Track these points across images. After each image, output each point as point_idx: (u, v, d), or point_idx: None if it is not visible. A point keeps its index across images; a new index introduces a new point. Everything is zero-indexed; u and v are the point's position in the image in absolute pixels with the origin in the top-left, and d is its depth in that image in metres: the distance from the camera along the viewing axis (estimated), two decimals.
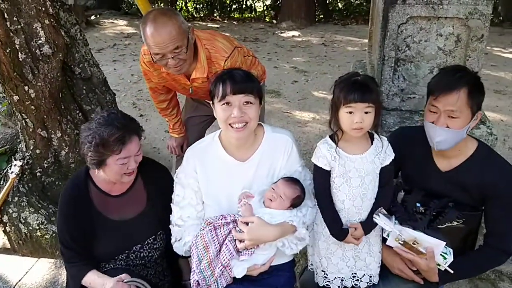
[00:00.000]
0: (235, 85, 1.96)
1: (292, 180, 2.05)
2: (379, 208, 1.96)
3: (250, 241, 1.93)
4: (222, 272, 1.95)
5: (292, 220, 1.97)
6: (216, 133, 2.17)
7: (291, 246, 2.01)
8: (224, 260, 1.94)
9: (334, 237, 2.00)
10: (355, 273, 2.09)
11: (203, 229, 2.01)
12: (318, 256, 2.12)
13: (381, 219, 1.95)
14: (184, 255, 2.16)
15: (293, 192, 2.00)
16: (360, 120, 1.85)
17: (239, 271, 1.96)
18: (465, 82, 1.87)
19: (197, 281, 1.96)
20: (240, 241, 1.95)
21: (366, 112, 1.85)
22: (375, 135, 1.99)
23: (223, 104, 1.97)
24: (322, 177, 2.00)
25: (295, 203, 2.01)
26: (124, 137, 2.01)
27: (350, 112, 1.86)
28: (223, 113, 1.98)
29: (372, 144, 1.96)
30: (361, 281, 2.09)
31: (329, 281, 2.11)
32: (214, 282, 1.95)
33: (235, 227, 1.98)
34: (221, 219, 2.00)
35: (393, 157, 1.97)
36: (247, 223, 1.94)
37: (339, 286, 2.10)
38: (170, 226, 2.17)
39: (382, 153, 1.95)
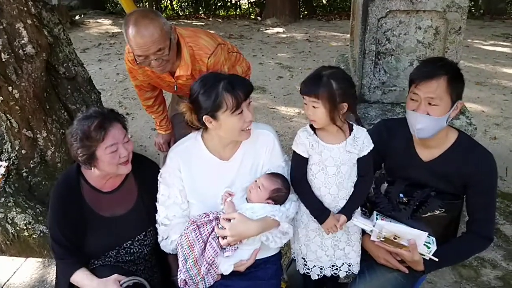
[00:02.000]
0: (243, 90, 1.93)
1: (274, 174, 2.07)
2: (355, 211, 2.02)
3: (232, 237, 1.93)
4: (208, 270, 1.96)
5: (274, 215, 1.97)
6: (199, 132, 2.14)
7: (275, 240, 2.03)
8: (209, 257, 1.94)
9: (316, 219, 2.02)
10: (335, 263, 2.11)
11: (187, 228, 2.01)
12: (298, 243, 2.14)
13: (358, 221, 2.00)
14: (171, 253, 2.16)
15: (271, 184, 2.01)
16: (311, 113, 1.91)
17: (226, 268, 1.98)
18: (445, 70, 1.91)
19: (184, 280, 1.97)
20: (223, 237, 1.95)
21: (313, 107, 1.89)
22: (354, 126, 2.00)
23: (239, 113, 1.92)
24: (299, 164, 2.03)
25: (276, 198, 2.02)
26: (104, 123, 2.01)
27: (305, 103, 1.93)
28: (238, 122, 1.94)
29: (350, 134, 1.98)
30: (340, 270, 2.11)
31: (308, 269, 2.13)
32: (201, 280, 1.96)
33: (217, 224, 1.98)
34: (204, 217, 2.00)
35: (371, 148, 1.99)
36: (229, 220, 1.95)
37: (318, 275, 2.12)
38: (157, 225, 2.17)
39: (360, 143, 1.97)
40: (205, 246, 1.97)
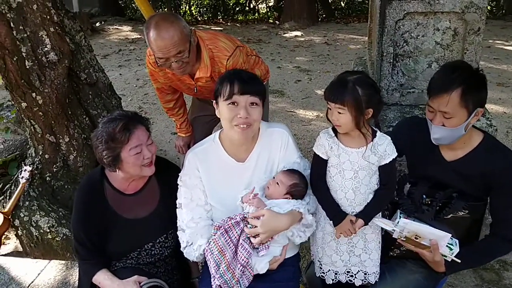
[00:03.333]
0: (243, 85, 1.97)
1: (291, 170, 2.10)
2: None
3: (264, 234, 1.93)
4: (243, 272, 1.95)
5: (298, 207, 2.00)
6: (216, 134, 2.18)
7: (299, 234, 2.04)
8: (243, 260, 1.94)
9: (332, 221, 2.02)
10: (350, 269, 2.09)
11: (214, 235, 2.00)
12: (315, 245, 2.15)
13: (380, 220, 1.99)
14: (195, 260, 2.14)
15: (289, 179, 2.04)
16: (335, 118, 1.91)
17: (262, 267, 1.98)
18: (459, 82, 1.86)
19: (219, 285, 1.95)
20: (254, 237, 1.95)
21: (339, 112, 1.89)
22: (378, 133, 1.99)
23: (230, 103, 1.98)
24: (318, 165, 2.05)
25: (294, 192, 2.05)
26: (128, 125, 2.05)
27: (330, 109, 1.93)
28: (228, 112, 1.99)
29: (372, 140, 1.97)
30: (355, 277, 2.09)
31: (323, 272, 2.13)
32: (237, 283, 1.94)
33: (246, 225, 1.98)
34: (230, 221, 2.00)
35: (393, 157, 1.96)
36: (258, 218, 1.95)
37: (333, 280, 2.11)
38: (179, 233, 2.16)
39: (380, 151, 1.95)
40: (236, 249, 1.97)
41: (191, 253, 2.11)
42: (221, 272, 1.94)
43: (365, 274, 2.09)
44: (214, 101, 2.09)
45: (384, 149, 1.95)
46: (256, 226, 1.94)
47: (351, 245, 2.07)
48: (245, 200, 2.05)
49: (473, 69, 1.95)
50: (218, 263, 1.95)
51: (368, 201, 2.00)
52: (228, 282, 1.93)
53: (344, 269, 2.10)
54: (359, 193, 1.99)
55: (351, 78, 1.90)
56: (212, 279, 1.96)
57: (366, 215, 1.99)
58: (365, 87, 1.88)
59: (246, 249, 1.95)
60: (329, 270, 2.12)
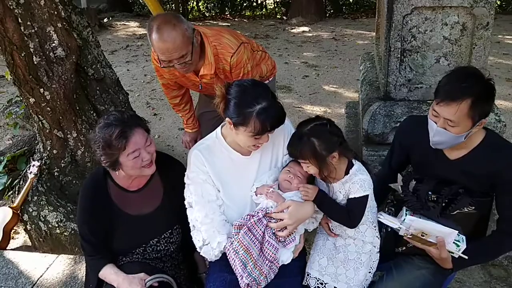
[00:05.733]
0: (273, 124, 1.95)
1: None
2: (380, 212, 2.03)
3: (292, 225, 1.95)
4: (270, 267, 1.96)
5: None
6: (218, 130, 2.16)
7: (311, 221, 2.08)
8: (270, 256, 1.95)
9: None
10: (322, 277, 2.07)
11: (236, 234, 1.98)
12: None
13: (384, 218, 1.98)
14: (214, 259, 2.09)
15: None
16: (306, 171, 1.98)
17: (287, 257, 2.01)
18: (469, 93, 1.82)
19: (247, 283, 1.93)
20: (281, 230, 1.97)
21: (307, 166, 1.96)
22: (352, 170, 1.99)
23: (254, 137, 1.96)
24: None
25: (310, 181, 2.08)
26: (125, 132, 2.01)
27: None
28: (252, 142, 1.99)
29: (343, 177, 1.99)
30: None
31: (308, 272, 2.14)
32: (264, 278, 1.95)
33: (269, 221, 1.98)
34: (251, 218, 1.99)
35: (360, 195, 1.95)
36: (282, 211, 1.97)
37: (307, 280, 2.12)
38: (192, 233, 2.12)
39: (346, 188, 1.99)
40: (261, 246, 1.97)
41: (209, 251, 2.06)
42: (249, 271, 1.93)
43: None
44: (226, 118, 2.00)
45: (349, 186, 1.97)
46: (281, 220, 1.96)
47: (332, 250, 2.10)
48: (263, 192, 2.05)
49: (485, 78, 1.89)
50: (245, 262, 1.94)
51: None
52: (257, 279, 1.94)
53: (317, 274, 2.08)
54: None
55: (305, 130, 1.93)
56: (239, 278, 1.95)
57: (321, 198, 2.01)
58: (320, 136, 1.90)
59: (273, 245, 1.97)
60: (311, 268, 2.11)
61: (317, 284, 2.05)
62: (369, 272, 2.05)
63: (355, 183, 1.96)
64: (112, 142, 2.00)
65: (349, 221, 1.99)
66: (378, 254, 2.08)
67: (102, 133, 2.02)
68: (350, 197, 1.97)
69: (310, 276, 2.08)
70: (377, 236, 2.07)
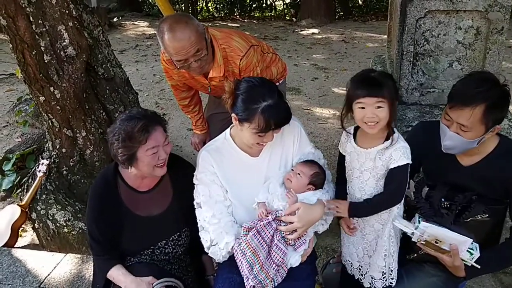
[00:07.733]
0: (278, 121, 1.96)
1: (308, 161, 2.12)
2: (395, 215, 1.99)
3: (302, 228, 1.95)
4: (277, 271, 1.96)
5: (324, 197, 2.04)
6: (227, 132, 2.17)
7: (321, 222, 2.07)
8: (278, 260, 1.95)
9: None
10: (361, 266, 2.11)
11: (245, 236, 1.98)
12: (342, 232, 2.20)
13: (400, 222, 1.95)
14: (221, 260, 2.09)
15: (309, 169, 2.05)
16: (372, 115, 1.82)
17: (296, 259, 2.00)
18: (483, 98, 1.79)
19: (253, 286, 1.94)
20: (291, 233, 1.97)
21: (378, 107, 1.82)
22: (395, 136, 1.91)
23: (258, 134, 1.97)
24: (339, 160, 2.12)
25: (316, 182, 2.06)
26: (147, 126, 2.04)
27: (362, 108, 1.84)
28: (255, 140, 2.00)
29: (383, 143, 1.91)
30: (364, 277, 2.11)
31: (344, 260, 2.20)
32: (271, 282, 1.95)
33: (279, 224, 1.98)
34: (260, 221, 1.99)
35: (401, 163, 1.88)
36: (291, 214, 1.97)
37: (350, 270, 2.17)
38: (200, 233, 2.12)
39: (387, 155, 1.90)
40: (269, 249, 1.97)
41: (217, 252, 2.07)
42: (255, 273, 1.93)
43: (372, 278, 2.08)
44: (232, 114, 2.02)
45: (390, 153, 1.89)
46: (291, 223, 1.95)
47: (365, 242, 2.08)
48: (262, 208, 2.04)
49: (500, 84, 1.86)
50: (252, 264, 1.94)
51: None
52: (262, 282, 1.94)
53: (358, 265, 2.11)
54: (365, 194, 1.99)
55: (375, 73, 1.87)
56: (245, 280, 1.95)
57: (354, 209, 1.99)
58: (390, 79, 1.88)
59: (281, 249, 1.97)
60: (347, 260, 2.16)
61: (352, 269, 2.14)
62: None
63: (398, 150, 1.88)
64: (134, 135, 2.02)
65: (392, 199, 1.95)
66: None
67: (124, 125, 2.04)
68: (391, 166, 1.89)
69: (352, 267, 2.15)
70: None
